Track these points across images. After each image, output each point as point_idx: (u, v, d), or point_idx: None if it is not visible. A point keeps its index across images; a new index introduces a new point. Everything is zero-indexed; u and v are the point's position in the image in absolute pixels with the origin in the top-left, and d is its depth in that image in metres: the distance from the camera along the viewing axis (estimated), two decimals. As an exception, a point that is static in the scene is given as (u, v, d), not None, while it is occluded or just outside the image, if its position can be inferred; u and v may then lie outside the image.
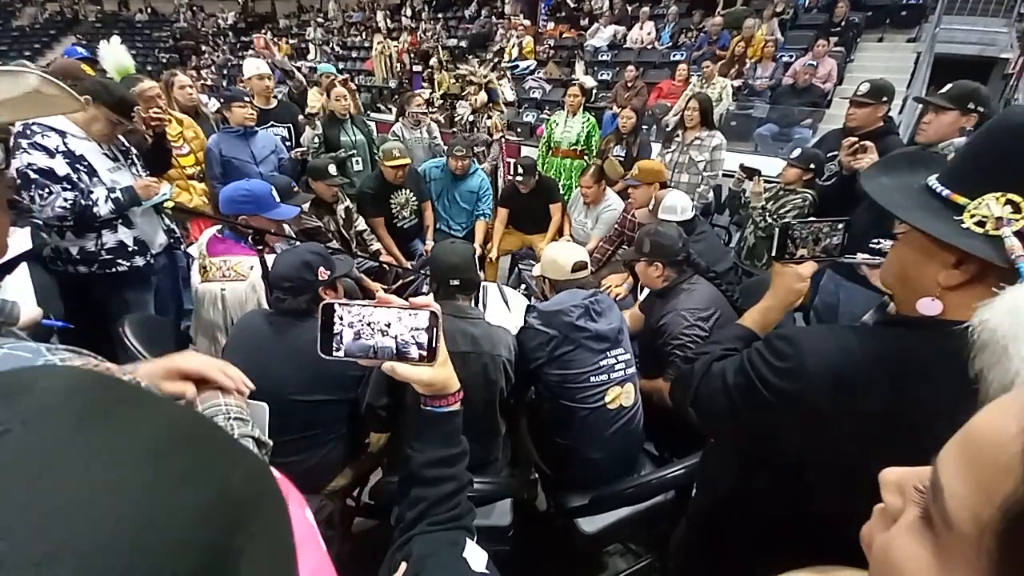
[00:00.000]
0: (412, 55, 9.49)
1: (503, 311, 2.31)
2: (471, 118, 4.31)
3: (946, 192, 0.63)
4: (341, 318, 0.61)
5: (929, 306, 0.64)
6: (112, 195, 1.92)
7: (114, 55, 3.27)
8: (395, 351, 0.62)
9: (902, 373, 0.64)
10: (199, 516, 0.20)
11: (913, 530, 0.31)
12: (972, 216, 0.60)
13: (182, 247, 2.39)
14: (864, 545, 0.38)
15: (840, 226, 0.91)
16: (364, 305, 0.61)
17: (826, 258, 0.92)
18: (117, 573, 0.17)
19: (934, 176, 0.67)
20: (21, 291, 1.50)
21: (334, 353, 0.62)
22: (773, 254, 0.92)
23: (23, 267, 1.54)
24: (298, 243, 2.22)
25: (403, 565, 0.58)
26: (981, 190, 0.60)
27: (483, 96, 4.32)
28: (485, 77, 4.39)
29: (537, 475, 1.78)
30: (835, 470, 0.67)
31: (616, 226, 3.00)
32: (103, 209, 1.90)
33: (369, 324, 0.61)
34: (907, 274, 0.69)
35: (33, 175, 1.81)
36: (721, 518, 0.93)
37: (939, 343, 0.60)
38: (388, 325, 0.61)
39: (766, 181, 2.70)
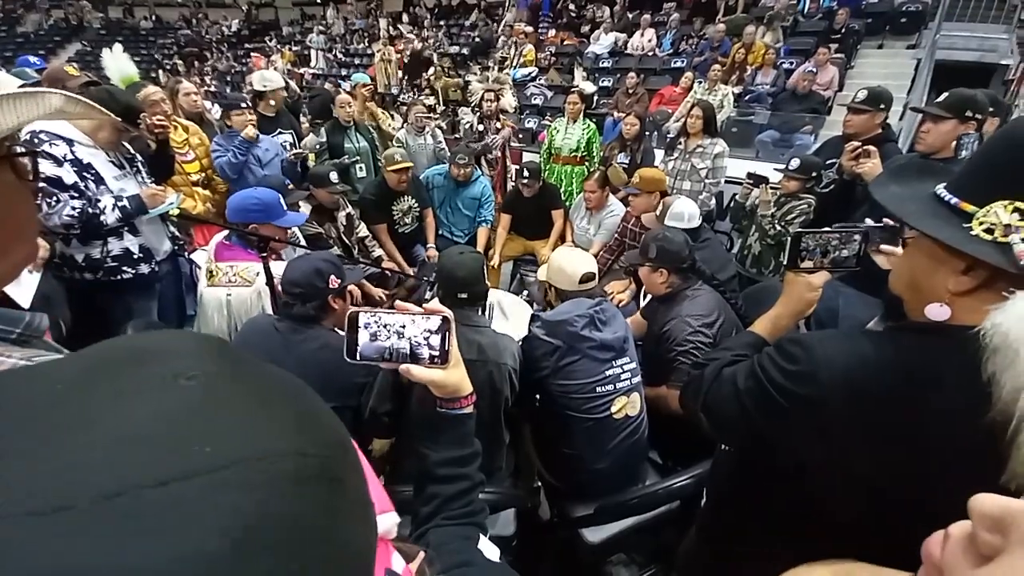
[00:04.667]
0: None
1: (501, 318, 2.30)
2: (480, 127, 4.30)
3: (954, 200, 0.65)
4: (359, 321, 0.65)
5: (938, 311, 0.65)
6: (119, 204, 1.92)
7: (117, 63, 3.28)
8: (409, 353, 0.65)
9: (915, 378, 0.64)
10: (324, 440, 0.27)
11: None
12: (981, 223, 0.61)
13: (186, 253, 2.40)
14: (931, 563, 0.34)
15: (856, 237, 0.91)
16: (381, 309, 0.66)
17: (839, 268, 0.92)
18: (282, 457, 0.24)
19: (942, 185, 0.68)
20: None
21: (356, 357, 0.65)
22: (785, 262, 0.93)
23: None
24: (304, 250, 2.23)
25: (422, 553, 0.60)
26: (989, 198, 0.61)
27: (504, 100, 4.33)
28: (500, 84, 4.40)
29: (540, 484, 1.78)
30: (845, 476, 0.68)
31: (616, 235, 3.01)
32: (110, 218, 1.90)
33: (385, 326, 0.65)
34: (917, 280, 0.70)
35: (41, 183, 1.82)
36: (730, 526, 0.93)
37: (951, 348, 0.61)
38: (403, 327, 0.65)
39: (770, 188, 2.70)
